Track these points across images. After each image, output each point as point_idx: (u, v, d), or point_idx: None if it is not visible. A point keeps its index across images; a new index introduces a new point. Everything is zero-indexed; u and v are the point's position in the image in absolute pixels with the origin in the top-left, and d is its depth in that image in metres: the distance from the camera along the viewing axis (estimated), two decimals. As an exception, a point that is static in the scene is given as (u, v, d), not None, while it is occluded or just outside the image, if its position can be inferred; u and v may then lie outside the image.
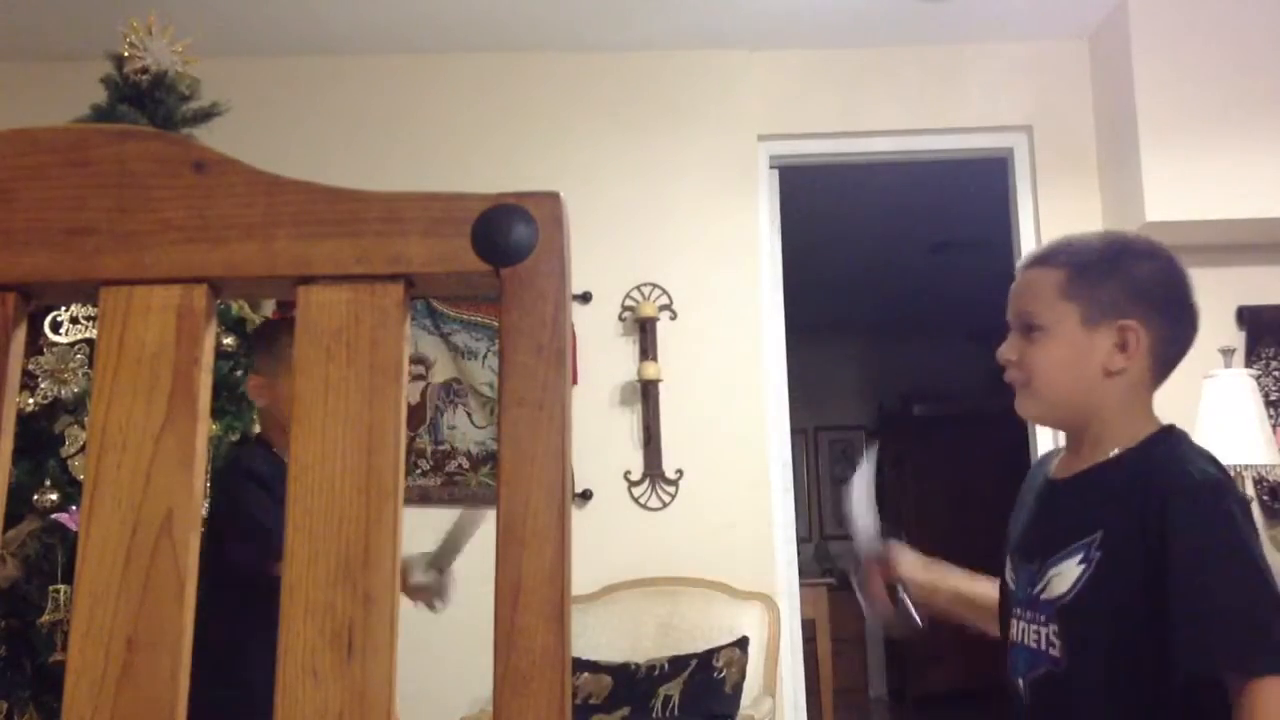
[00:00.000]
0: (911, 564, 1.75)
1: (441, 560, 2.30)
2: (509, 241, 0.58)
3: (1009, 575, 1.53)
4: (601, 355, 3.96)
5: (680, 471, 3.92)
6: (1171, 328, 1.44)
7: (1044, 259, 1.49)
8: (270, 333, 2.50)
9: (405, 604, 2.19)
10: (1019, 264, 1.55)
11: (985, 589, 1.70)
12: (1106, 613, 1.35)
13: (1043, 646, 1.41)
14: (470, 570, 3.59)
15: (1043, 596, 1.42)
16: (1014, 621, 1.49)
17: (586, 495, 3.88)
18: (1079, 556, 1.38)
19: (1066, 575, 1.39)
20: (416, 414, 3.95)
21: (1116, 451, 1.43)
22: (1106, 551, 1.36)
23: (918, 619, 1.73)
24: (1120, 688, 1.35)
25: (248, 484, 2.25)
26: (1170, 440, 1.43)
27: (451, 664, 3.54)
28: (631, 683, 3.45)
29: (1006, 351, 1.50)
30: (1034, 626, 1.43)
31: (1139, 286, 1.44)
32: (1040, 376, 1.47)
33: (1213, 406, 3.29)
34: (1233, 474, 3.35)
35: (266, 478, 2.23)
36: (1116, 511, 1.38)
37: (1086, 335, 1.43)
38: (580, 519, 3.75)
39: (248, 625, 1.95)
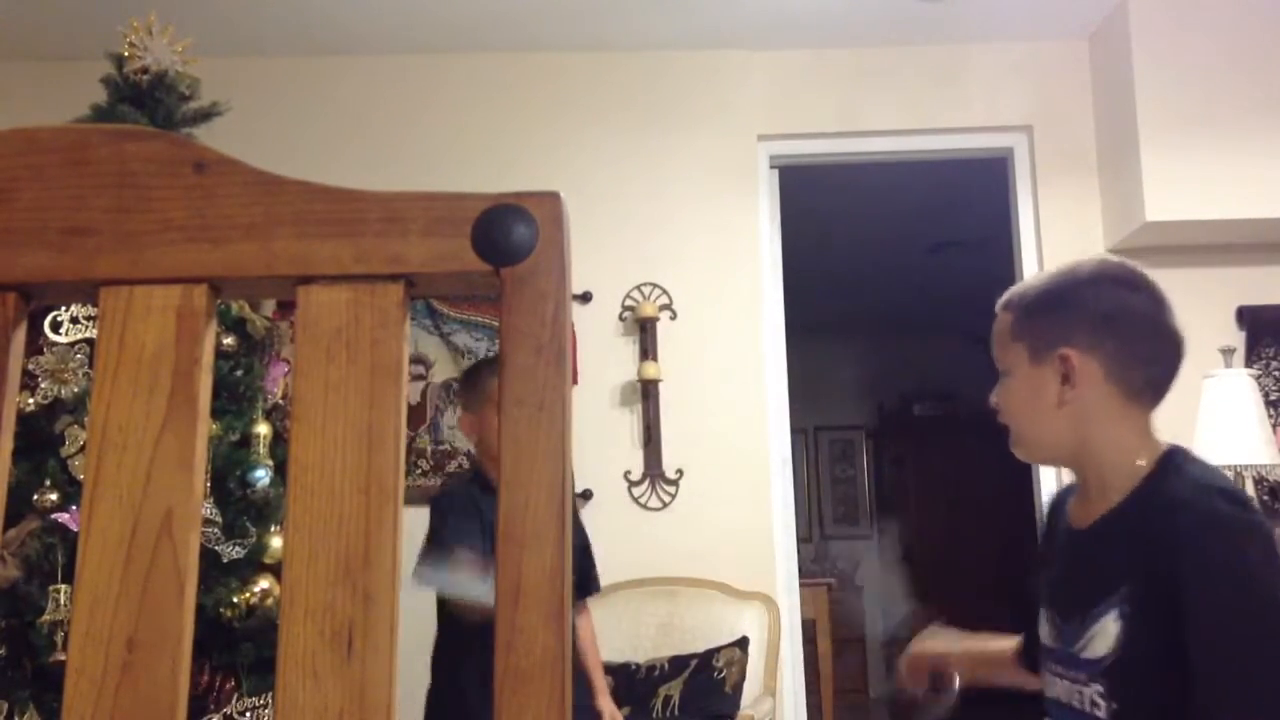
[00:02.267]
0: (951, 646, 1.72)
1: None
2: (509, 241, 0.58)
3: (1045, 630, 1.48)
4: (601, 355, 3.96)
5: (680, 471, 3.92)
6: (1126, 349, 1.40)
7: (1004, 303, 1.51)
8: (473, 371, 2.79)
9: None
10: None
11: (1004, 647, 1.68)
12: (1149, 669, 1.30)
13: (1086, 707, 1.36)
14: (470, 570, 3.58)
15: (1084, 655, 1.36)
16: (1051, 678, 1.44)
17: (586, 495, 3.88)
18: (1114, 613, 1.33)
19: (1107, 633, 1.34)
20: (416, 414, 3.95)
21: (1121, 498, 1.38)
22: (1135, 606, 1.31)
23: (954, 700, 1.72)
24: None
25: (436, 514, 2.54)
26: (1174, 471, 1.37)
27: (451, 664, 3.55)
28: (631, 683, 3.45)
29: (992, 397, 1.52)
30: (1076, 686, 1.38)
31: (1080, 315, 1.42)
32: (1010, 419, 1.49)
33: (1213, 406, 3.29)
34: (1232, 474, 3.36)
35: (461, 506, 2.52)
36: (1136, 562, 1.33)
37: (1036, 372, 1.44)
38: (581, 519, 3.74)
39: (451, 638, 2.56)
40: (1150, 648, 1.29)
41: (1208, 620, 1.23)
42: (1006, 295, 1.52)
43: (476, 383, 2.64)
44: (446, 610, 2.50)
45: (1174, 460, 1.39)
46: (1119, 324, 1.41)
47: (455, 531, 2.43)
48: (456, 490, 2.71)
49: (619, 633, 3.66)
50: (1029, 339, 1.45)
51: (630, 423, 3.96)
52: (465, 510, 2.48)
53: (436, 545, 2.44)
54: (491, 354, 2.76)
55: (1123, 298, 1.43)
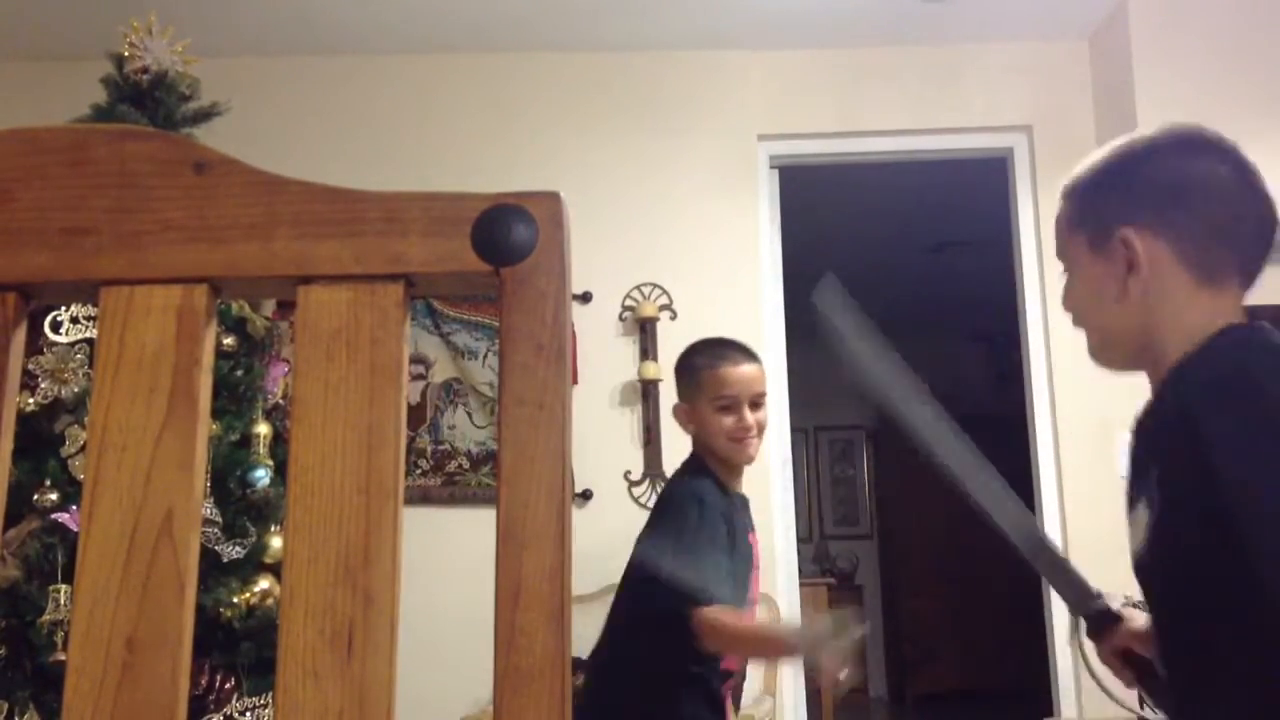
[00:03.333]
0: (1142, 636, 1.38)
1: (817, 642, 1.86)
2: (509, 241, 0.58)
3: None
4: (601, 355, 3.96)
5: (680, 471, 3.92)
6: (1198, 223, 1.20)
7: (1062, 190, 1.33)
8: (685, 354, 2.42)
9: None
10: None
11: None
12: (1173, 560, 1.12)
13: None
14: (470, 570, 3.59)
15: (1132, 550, 1.20)
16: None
17: (586, 495, 3.87)
18: (1144, 500, 1.15)
19: (1139, 524, 1.16)
20: (416, 414, 3.95)
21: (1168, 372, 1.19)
22: (1164, 489, 1.12)
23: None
24: (1190, 650, 1.13)
25: (691, 513, 2.09)
26: (1221, 340, 1.16)
27: (451, 664, 3.54)
28: (631, 683, 3.44)
29: (1062, 302, 1.33)
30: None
31: (1141, 188, 1.23)
32: (1079, 319, 1.30)
33: (1213, 406, 3.28)
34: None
35: (716, 511, 2.10)
36: (1161, 445, 1.15)
37: (1100, 261, 1.24)
38: (580, 519, 3.74)
39: (659, 652, 2.02)
40: (1176, 536, 1.12)
41: (1246, 483, 1.03)
42: (1065, 181, 1.33)
43: (687, 367, 2.36)
44: (660, 632, 1.98)
45: (1224, 332, 1.18)
46: (1188, 195, 1.21)
47: (712, 529, 2.05)
48: (706, 487, 2.20)
49: (619, 633, 3.65)
50: (1090, 225, 1.26)
51: (630, 423, 3.96)
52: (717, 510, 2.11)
53: (689, 540, 2.01)
54: (705, 339, 2.37)
55: (1191, 164, 1.23)
